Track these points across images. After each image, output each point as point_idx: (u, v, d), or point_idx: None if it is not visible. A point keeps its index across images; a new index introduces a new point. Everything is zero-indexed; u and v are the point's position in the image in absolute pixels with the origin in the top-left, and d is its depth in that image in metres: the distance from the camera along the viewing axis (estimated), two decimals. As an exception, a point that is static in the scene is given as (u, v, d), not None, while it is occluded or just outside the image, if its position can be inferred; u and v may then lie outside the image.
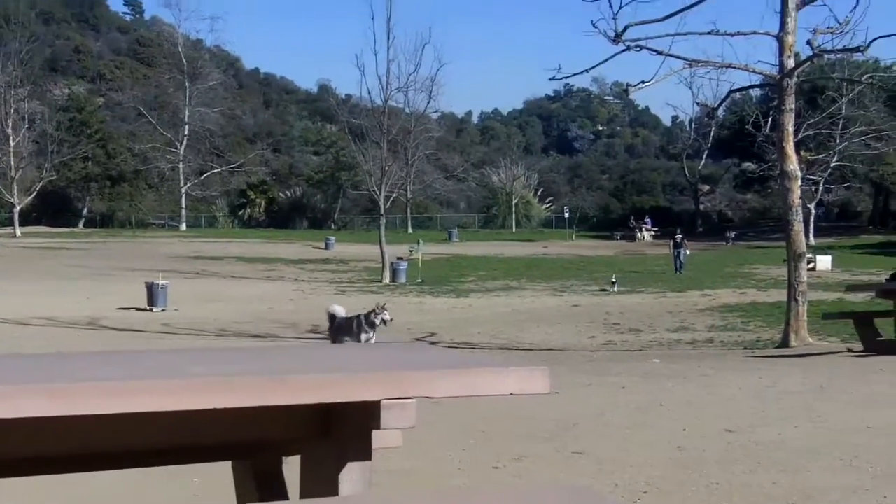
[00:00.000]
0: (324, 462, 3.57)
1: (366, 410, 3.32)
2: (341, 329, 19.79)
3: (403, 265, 45.35)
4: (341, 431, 3.53)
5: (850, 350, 17.73)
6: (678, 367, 14.96)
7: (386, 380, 3.29)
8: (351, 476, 3.52)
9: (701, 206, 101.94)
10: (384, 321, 19.86)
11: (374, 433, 3.47)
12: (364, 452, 3.52)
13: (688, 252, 49.61)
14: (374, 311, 20.04)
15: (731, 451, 8.03)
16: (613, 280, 39.02)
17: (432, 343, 21.69)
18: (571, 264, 54.74)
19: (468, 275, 47.49)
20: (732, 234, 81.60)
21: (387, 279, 44.08)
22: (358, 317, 20.00)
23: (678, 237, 49.47)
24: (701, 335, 23.63)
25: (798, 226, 20.63)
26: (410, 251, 56.22)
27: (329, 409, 3.54)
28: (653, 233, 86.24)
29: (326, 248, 69.06)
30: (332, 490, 3.51)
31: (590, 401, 10.91)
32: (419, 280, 43.92)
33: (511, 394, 3.38)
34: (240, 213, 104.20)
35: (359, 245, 69.81)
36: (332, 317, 20.36)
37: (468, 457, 7.87)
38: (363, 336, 19.50)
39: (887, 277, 22.70)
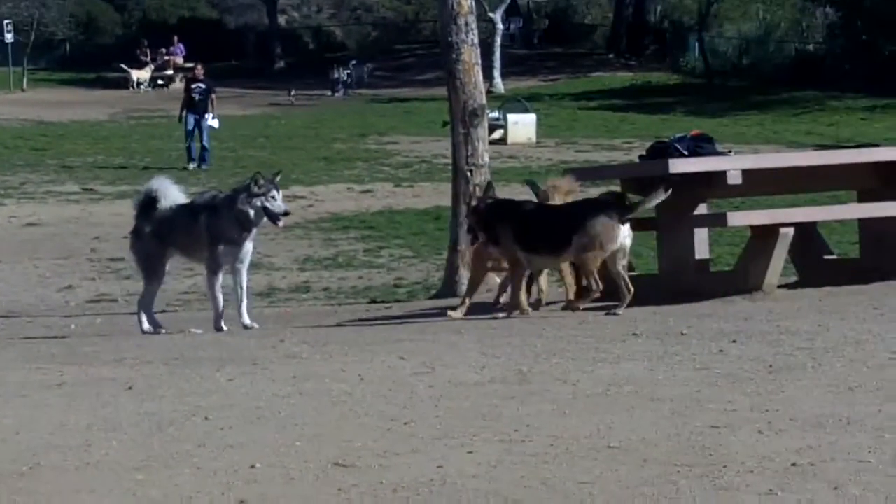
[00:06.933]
0: None
1: None
2: (163, 236, 9.08)
3: None
4: None
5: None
6: (239, 343, 7.98)
7: None
8: None
9: (283, 20, 52.84)
10: (281, 214, 9.03)
11: None
12: None
13: (213, 121, 25.28)
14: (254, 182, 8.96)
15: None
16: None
17: None
18: (21, 140, 28.71)
19: None
20: (347, 74, 42.98)
21: None
22: (234, 195, 9.03)
23: (197, 80, 25.67)
24: (286, 277, 14.34)
25: (469, 54, 11.92)
26: None
27: None
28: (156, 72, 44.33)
29: None
30: None
31: (50, 421, 5.64)
32: None
33: None
34: None
35: None
36: (147, 203, 9.15)
37: None
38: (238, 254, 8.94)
39: (642, 154, 11.23)
